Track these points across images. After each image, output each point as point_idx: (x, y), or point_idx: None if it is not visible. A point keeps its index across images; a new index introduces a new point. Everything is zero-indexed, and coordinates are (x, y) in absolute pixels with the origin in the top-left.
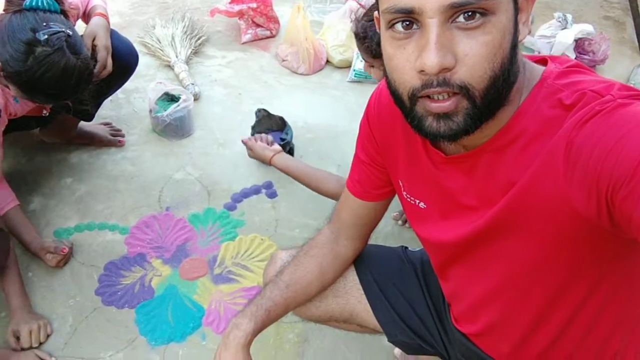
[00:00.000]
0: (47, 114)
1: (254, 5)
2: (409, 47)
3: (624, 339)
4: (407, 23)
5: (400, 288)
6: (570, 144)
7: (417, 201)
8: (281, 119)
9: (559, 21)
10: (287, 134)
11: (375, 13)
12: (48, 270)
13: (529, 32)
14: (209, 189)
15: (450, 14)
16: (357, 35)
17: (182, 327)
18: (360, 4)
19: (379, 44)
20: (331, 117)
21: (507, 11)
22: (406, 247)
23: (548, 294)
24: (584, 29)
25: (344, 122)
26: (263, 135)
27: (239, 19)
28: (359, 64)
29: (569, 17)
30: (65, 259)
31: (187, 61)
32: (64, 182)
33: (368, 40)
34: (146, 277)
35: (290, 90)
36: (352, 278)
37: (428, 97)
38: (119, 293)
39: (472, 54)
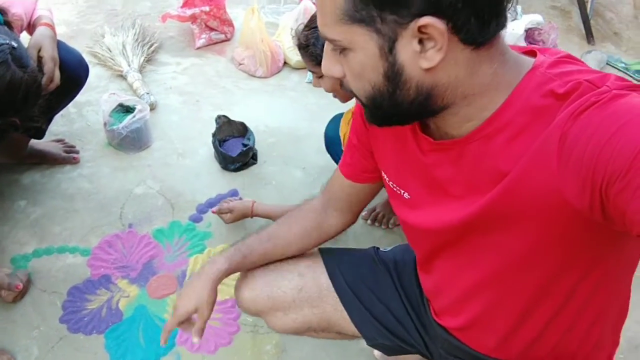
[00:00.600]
0: None
1: (207, 8)
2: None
3: (603, 328)
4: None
5: (374, 291)
6: (565, 136)
7: (402, 191)
8: (242, 124)
9: (510, 13)
10: (249, 139)
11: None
12: (8, 305)
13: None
14: (172, 201)
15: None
16: (299, 46)
17: (154, 349)
18: (314, 3)
19: (322, 49)
20: (292, 119)
21: (365, 49)
22: (377, 248)
23: (536, 287)
24: (534, 19)
25: (305, 124)
26: (227, 199)
27: (192, 23)
28: None
29: (519, 8)
30: (22, 293)
31: (141, 70)
32: (17, 206)
33: (311, 47)
34: (113, 300)
35: (249, 94)
36: (326, 286)
37: None
38: (86, 319)
39: (347, 72)
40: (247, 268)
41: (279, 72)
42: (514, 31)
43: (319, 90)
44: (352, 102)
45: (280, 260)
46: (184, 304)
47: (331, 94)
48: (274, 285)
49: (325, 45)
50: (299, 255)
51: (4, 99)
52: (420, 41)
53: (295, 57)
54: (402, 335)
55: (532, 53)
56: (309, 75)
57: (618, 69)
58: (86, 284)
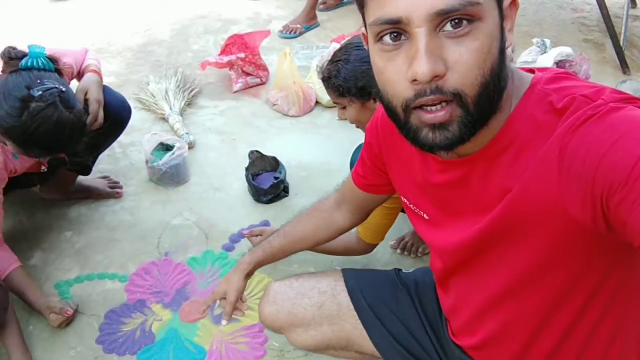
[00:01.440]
0: (46, 169)
1: (243, 55)
2: (398, 59)
3: (624, 342)
4: (395, 34)
5: (394, 311)
6: (564, 150)
7: (422, 212)
8: (274, 159)
9: (538, 46)
10: (280, 172)
11: (362, 29)
12: (48, 323)
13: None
14: (206, 232)
15: (438, 22)
16: (323, 79)
17: None
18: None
19: (346, 80)
20: (324, 154)
21: (492, 17)
22: (399, 270)
23: (547, 302)
24: (563, 51)
25: (336, 159)
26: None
27: (229, 69)
28: None
29: (547, 41)
30: (68, 320)
31: (181, 113)
32: (63, 236)
33: (333, 79)
34: (146, 323)
35: (282, 132)
36: (346, 304)
37: (422, 108)
38: (120, 340)
39: (463, 61)
40: (270, 261)
41: (311, 111)
42: (542, 63)
43: (350, 127)
44: None
45: (303, 277)
46: (218, 289)
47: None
48: (295, 301)
49: (421, 44)
50: (321, 274)
51: (51, 136)
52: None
53: (327, 96)
54: (421, 356)
55: (530, 72)
56: None
57: None
58: (122, 308)
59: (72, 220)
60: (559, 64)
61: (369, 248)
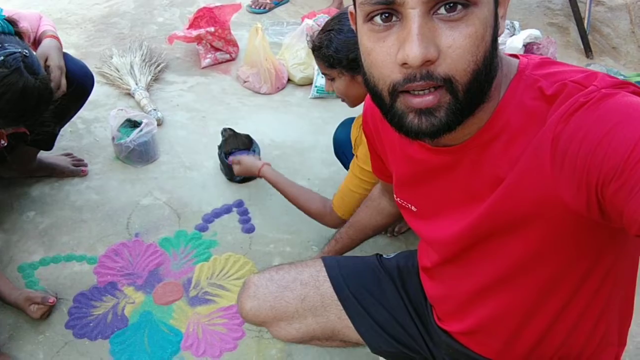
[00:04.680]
0: (5, 144)
1: (212, 29)
2: (388, 40)
3: (608, 326)
4: (387, 15)
5: (378, 298)
6: (557, 139)
7: (409, 205)
8: (247, 137)
9: (507, 28)
10: (254, 151)
11: (350, 7)
12: (13, 309)
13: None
14: (178, 212)
15: (432, 4)
16: (313, 48)
17: (160, 354)
18: (317, 24)
19: (337, 51)
20: (297, 133)
21: (488, 3)
22: (381, 255)
23: (539, 288)
24: (532, 33)
25: (309, 138)
26: (249, 152)
27: (198, 44)
28: (320, 80)
29: (517, 24)
30: (50, 310)
31: (148, 88)
32: (26, 216)
33: (324, 48)
34: (118, 306)
35: (254, 110)
36: (329, 295)
37: (409, 92)
38: (91, 324)
39: (455, 46)
40: (343, 250)
41: (283, 88)
42: (512, 45)
43: (323, 105)
44: (361, 107)
45: (283, 268)
46: None
47: (339, 101)
48: (276, 295)
49: (414, 26)
50: (302, 264)
51: (17, 105)
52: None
53: (299, 74)
54: (406, 342)
55: (512, 56)
56: (313, 91)
57: None
58: (92, 291)
59: (34, 199)
60: (527, 46)
61: (337, 222)
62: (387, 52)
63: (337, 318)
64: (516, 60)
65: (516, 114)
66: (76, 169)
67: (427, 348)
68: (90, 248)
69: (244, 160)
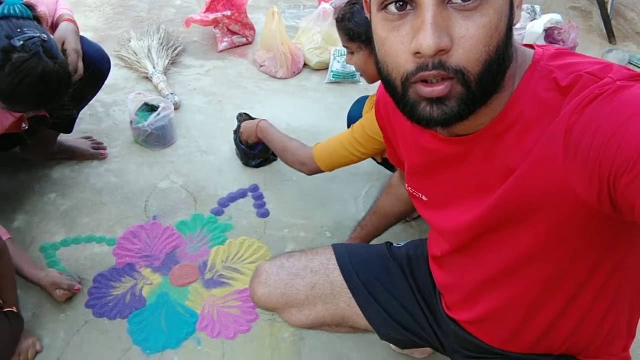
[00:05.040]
0: (26, 127)
1: (229, 13)
2: (403, 30)
3: (617, 318)
4: (402, 4)
5: (388, 287)
6: (570, 130)
7: (420, 194)
8: None
9: (528, 13)
10: None
11: None
12: (37, 288)
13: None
14: (195, 195)
15: None
16: (337, 19)
17: (176, 334)
18: (333, 7)
19: (358, 25)
20: (313, 118)
21: None
22: (391, 244)
23: (548, 279)
24: (553, 18)
25: (325, 123)
26: None
27: (215, 27)
28: (336, 65)
29: (537, 8)
30: (74, 295)
31: (165, 72)
32: (47, 198)
33: (346, 21)
34: (137, 287)
35: (270, 94)
36: (339, 283)
37: (421, 81)
38: (110, 304)
39: (469, 36)
40: (368, 238)
41: (299, 73)
42: (532, 30)
43: (339, 90)
44: (377, 85)
45: (295, 256)
46: None
47: (359, 81)
48: (287, 282)
49: (427, 15)
50: (313, 252)
51: (37, 89)
52: None
53: (315, 58)
54: (415, 330)
55: (529, 48)
56: (329, 76)
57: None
58: (112, 272)
59: (55, 182)
60: (548, 31)
61: (315, 170)
62: (401, 42)
63: (347, 305)
64: (531, 51)
65: (530, 105)
66: (96, 152)
67: (436, 336)
68: (110, 230)
69: (245, 125)
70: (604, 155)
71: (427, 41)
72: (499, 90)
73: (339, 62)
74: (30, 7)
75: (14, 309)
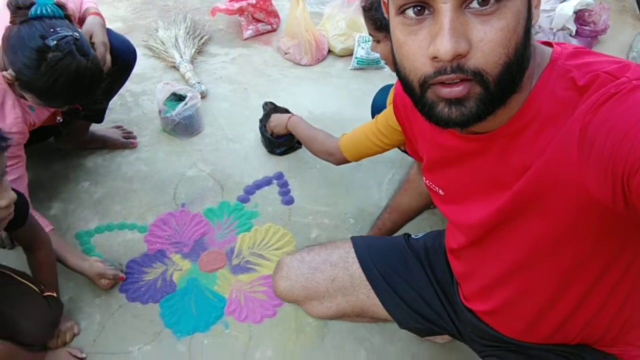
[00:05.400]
0: (61, 120)
1: (253, 1)
2: (420, 34)
3: (633, 308)
4: (419, 8)
5: (406, 278)
6: (585, 128)
7: (437, 188)
8: (286, 110)
9: None
10: None
11: None
12: (73, 273)
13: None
14: (221, 183)
15: None
16: (364, 8)
17: (205, 318)
18: None
19: (384, 15)
20: (336, 105)
21: None
22: (409, 235)
23: (563, 273)
24: (583, 0)
25: (349, 109)
26: None
27: (240, 15)
28: (360, 51)
29: None
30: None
31: (192, 61)
32: (81, 187)
33: (373, 10)
34: (167, 272)
35: (294, 82)
36: (358, 275)
37: (439, 83)
38: (142, 289)
39: (487, 40)
40: (386, 233)
41: (323, 60)
42: (562, 12)
43: (363, 76)
44: None
45: (314, 250)
46: None
47: (384, 69)
48: (308, 276)
49: (445, 20)
50: (332, 246)
51: (72, 87)
52: None
53: (339, 45)
54: (433, 319)
55: (547, 45)
56: (354, 62)
57: None
58: (143, 258)
59: (89, 170)
60: (578, 13)
61: (342, 160)
62: (418, 46)
63: (366, 297)
64: (549, 49)
65: (547, 103)
66: (126, 141)
67: (454, 325)
68: (141, 217)
69: (275, 117)
70: (617, 154)
71: (445, 46)
72: (517, 90)
73: (363, 48)
74: (61, 6)
75: (54, 294)
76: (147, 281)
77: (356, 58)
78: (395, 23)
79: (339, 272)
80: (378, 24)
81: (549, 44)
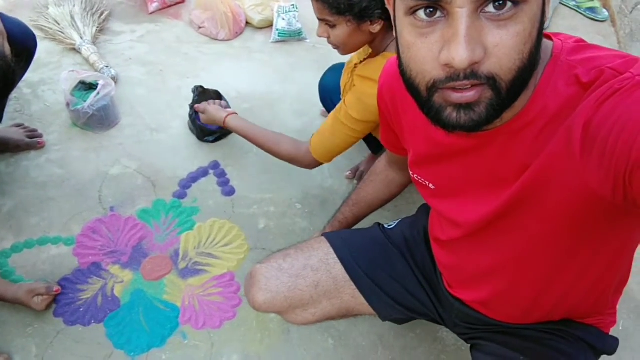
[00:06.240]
0: None
1: None
2: (432, 37)
3: (610, 277)
4: (431, 10)
5: (389, 272)
6: (588, 123)
7: (426, 182)
8: (216, 92)
9: None
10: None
11: None
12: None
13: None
14: (152, 179)
15: (481, 3)
16: None
17: (159, 331)
18: None
19: None
20: (263, 83)
21: None
22: (382, 225)
23: (556, 261)
24: None
25: (277, 87)
26: (217, 101)
27: None
28: (281, 22)
29: None
30: (53, 299)
31: (94, 41)
32: None
33: None
34: (107, 287)
35: (214, 59)
36: (342, 277)
37: (450, 88)
38: (82, 309)
39: (502, 45)
40: (347, 228)
41: (241, 33)
42: None
43: (285, 49)
44: (349, 55)
45: (290, 255)
46: None
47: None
48: (289, 285)
49: (461, 27)
50: (308, 248)
51: None
52: None
53: (257, 16)
54: (416, 308)
55: (545, 37)
56: (274, 35)
57: (570, 8)
58: (76, 274)
59: None
60: None
61: (313, 164)
62: (428, 49)
63: (351, 297)
64: (550, 43)
65: (551, 101)
66: (32, 141)
67: (437, 312)
68: (64, 228)
69: (208, 110)
70: (620, 149)
71: (461, 55)
72: (524, 90)
73: (283, 19)
74: None
75: None
76: (85, 300)
77: (277, 30)
78: (404, 24)
79: (322, 276)
80: (341, 8)
81: (547, 36)
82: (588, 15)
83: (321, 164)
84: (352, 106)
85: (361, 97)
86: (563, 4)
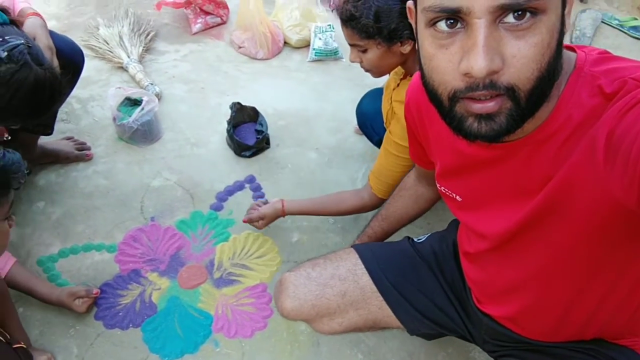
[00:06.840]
0: (9, 137)
1: None
2: (452, 48)
3: None
4: (452, 21)
5: (417, 285)
6: (611, 133)
7: (454, 194)
8: (253, 109)
9: None
10: (261, 124)
11: (409, 3)
12: (39, 304)
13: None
14: (191, 192)
15: (499, 13)
16: (346, 19)
17: (192, 338)
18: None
19: (376, 20)
20: (299, 100)
21: (556, 8)
22: (412, 239)
23: (582, 276)
24: None
25: (313, 104)
26: (253, 203)
27: (186, 8)
28: (317, 42)
29: None
30: (94, 302)
31: (140, 60)
32: (36, 207)
33: (363, 18)
34: (145, 293)
35: (252, 78)
36: (369, 288)
37: (470, 98)
38: (120, 314)
39: (521, 56)
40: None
41: (280, 52)
42: None
43: (322, 68)
44: (384, 79)
45: (319, 264)
46: None
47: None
48: (317, 294)
49: (479, 37)
50: (336, 258)
51: (31, 101)
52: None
53: (295, 36)
54: (445, 323)
55: (569, 49)
56: (311, 54)
57: (613, 27)
58: (117, 280)
59: (42, 189)
60: None
61: (378, 203)
62: (449, 60)
63: (378, 309)
64: (574, 55)
65: (575, 112)
66: (81, 153)
67: (466, 328)
68: (108, 236)
69: (267, 214)
70: None
71: (479, 64)
72: (546, 101)
73: (320, 39)
74: (4, 11)
75: (23, 345)
76: (125, 305)
77: (314, 49)
78: (425, 35)
79: (349, 286)
80: (369, 32)
81: (571, 48)
82: (632, 34)
83: (383, 201)
84: (397, 134)
85: (403, 122)
86: (605, 23)
